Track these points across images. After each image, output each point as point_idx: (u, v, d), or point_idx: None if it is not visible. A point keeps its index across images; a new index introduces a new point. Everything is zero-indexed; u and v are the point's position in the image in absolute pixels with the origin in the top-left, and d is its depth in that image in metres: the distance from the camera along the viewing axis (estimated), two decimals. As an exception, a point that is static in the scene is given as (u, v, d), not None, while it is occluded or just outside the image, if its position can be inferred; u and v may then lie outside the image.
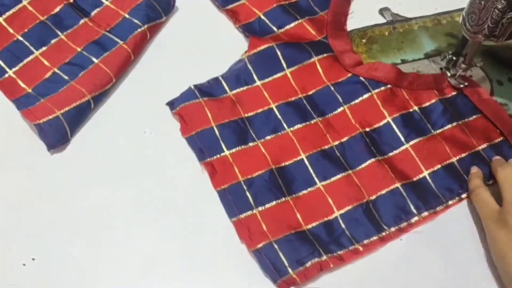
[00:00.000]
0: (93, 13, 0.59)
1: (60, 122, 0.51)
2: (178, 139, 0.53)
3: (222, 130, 0.52)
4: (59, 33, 0.58)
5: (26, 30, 0.58)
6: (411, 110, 0.54)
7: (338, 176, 0.50)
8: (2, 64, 0.56)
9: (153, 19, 0.59)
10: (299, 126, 0.53)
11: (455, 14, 0.63)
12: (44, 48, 0.57)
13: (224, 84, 0.55)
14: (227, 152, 0.51)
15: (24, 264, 0.46)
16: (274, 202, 0.48)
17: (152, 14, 0.59)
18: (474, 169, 0.51)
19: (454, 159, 0.52)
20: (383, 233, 0.48)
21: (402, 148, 0.52)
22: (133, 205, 0.49)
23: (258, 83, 0.55)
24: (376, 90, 0.55)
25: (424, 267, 0.47)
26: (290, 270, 0.45)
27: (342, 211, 0.49)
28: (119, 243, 0.47)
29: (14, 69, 0.56)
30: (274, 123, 0.53)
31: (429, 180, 0.51)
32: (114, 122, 0.54)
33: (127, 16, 0.59)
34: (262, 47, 0.57)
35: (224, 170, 0.50)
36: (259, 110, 0.54)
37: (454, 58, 0.55)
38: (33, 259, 0.46)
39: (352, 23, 0.62)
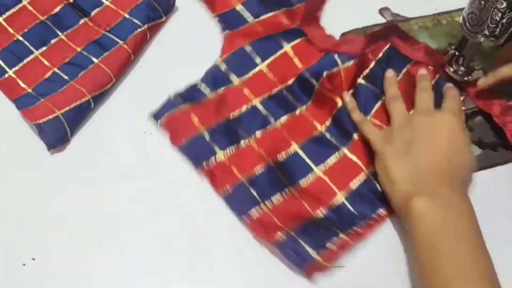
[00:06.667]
0: (93, 13, 0.59)
1: (60, 122, 0.51)
2: (178, 139, 0.53)
3: (211, 134, 0.52)
4: (59, 33, 0.58)
5: (26, 30, 0.58)
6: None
7: (333, 158, 0.52)
8: (2, 64, 0.56)
9: (153, 19, 0.59)
10: (285, 118, 0.54)
11: (455, 14, 0.63)
12: (44, 48, 0.57)
13: (204, 87, 0.55)
14: (221, 155, 0.51)
15: (24, 264, 0.46)
16: (279, 195, 0.49)
17: (152, 14, 0.59)
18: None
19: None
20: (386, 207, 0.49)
21: (378, 104, 0.54)
22: (133, 205, 0.49)
23: (237, 81, 0.56)
24: (346, 64, 0.55)
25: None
26: (313, 254, 0.45)
27: (344, 191, 0.50)
28: (119, 243, 0.47)
29: (14, 69, 0.56)
30: (261, 119, 0.54)
31: None
32: (114, 122, 0.54)
33: (127, 16, 0.59)
34: (234, 50, 0.57)
35: (223, 173, 0.50)
36: (243, 108, 0.54)
37: (457, 53, 0.55)
38: (33, 259, 0.46)
39: (353, 23, 0.62)
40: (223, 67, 0.56)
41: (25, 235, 0.47)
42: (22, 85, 0.55)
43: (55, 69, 0.55)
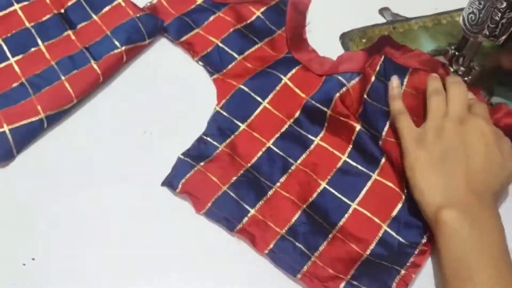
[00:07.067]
0: (79, 26, 0.57)
1: (5, 138, 0.50)
2: (178, 139, 0.52)
3: (236, 190, 0.48)
4: (40, 42, 0.56)
5: (9, 35, 0.56)
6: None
7: (366, 188, 0.49)
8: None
9: (134, 41, 0.56)
10: (304, 156, 0.51)
11: (455, 14, 0.63)
12: (20, 56, 0.55)
13: (211, 140, 0.52)
14: (253, 211, 0.47)
15: (24, 264, 0.45)
16: (324, 242, 0.46)
17: (135, 36, 0.56)
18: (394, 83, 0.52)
19: None
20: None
21: (389, 122, 0.52)
22: (133, 205, 0.48)
23: (243, 126, 0.52)
24: (352, 83, 0.54)
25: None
26: None
27: (387, 222, 0.47)
28: (119, 243, 0.46)
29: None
30: (280, 162, 0.51)
31: None
32: (114, 122, 0.54)
33: (109, 34, 0.56)
34: (231, 93, 0.54)
35: (261, 231, 0.46)
36: (259, 154, 0.51)
37: (457, 53, 0.55)
38: (33, 259, 0.46)
39: (353, 23, 0.61)
40: (225, 114, 0.53)
41: (25, 235, 0.47)
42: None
43: (24, 80, 0.53)
